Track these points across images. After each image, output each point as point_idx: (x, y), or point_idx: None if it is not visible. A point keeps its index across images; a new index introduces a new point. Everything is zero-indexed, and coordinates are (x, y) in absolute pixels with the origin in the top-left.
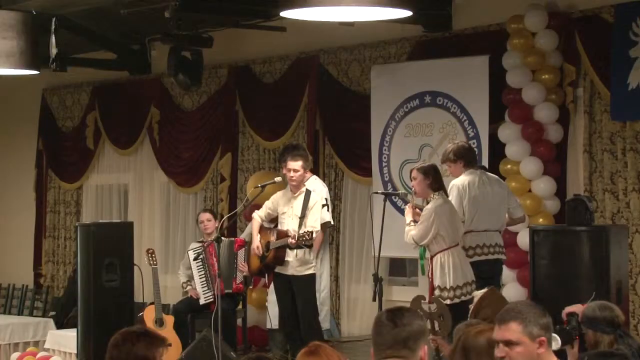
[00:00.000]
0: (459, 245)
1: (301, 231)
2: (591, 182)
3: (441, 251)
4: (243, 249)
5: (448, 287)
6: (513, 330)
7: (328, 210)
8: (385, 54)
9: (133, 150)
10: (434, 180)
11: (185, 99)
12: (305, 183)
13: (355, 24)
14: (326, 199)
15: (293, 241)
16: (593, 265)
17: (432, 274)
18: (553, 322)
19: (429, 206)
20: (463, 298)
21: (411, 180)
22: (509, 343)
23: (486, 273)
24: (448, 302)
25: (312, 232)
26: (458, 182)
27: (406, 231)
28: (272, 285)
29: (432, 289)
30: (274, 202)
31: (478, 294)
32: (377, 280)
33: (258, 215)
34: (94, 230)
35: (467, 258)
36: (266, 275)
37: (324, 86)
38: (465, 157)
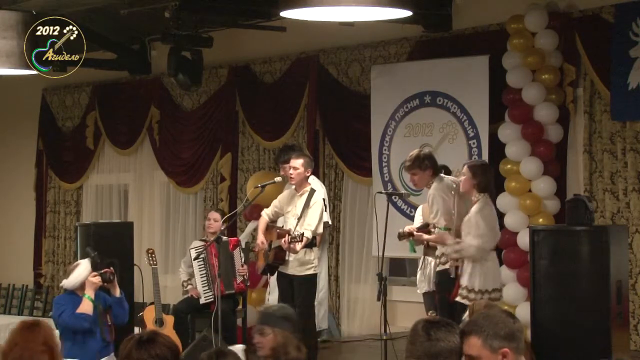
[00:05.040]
0: (494, 251)
1: (295, 232)
2: (591, 182)
3: None
4: (238, 248)
5: (476, 289)
6: (472, 344)
7: (326, 210)
8: (385, 54)
9: (133, 150)
10: (482, 180)
11: (185, 99)
12: (309, 182)
13: (355, 24)
14: (324, 199)
15: (285, 244)
16: (593, 265)
17: (460, 272)
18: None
19: (472, 214)
20: None
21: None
22: (471, 358)
23: None
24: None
25: (302, 234)
26: (439, 190)
27: (460, 249)
28: (270, 285)
29: (458, 287)
30: (281, 200)
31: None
32: (382, 279)
33: (266, 214)
34: (94, 230)
35: (498, 264)
36: (268, 275)
37: (324, 86)
38: (435, 165)
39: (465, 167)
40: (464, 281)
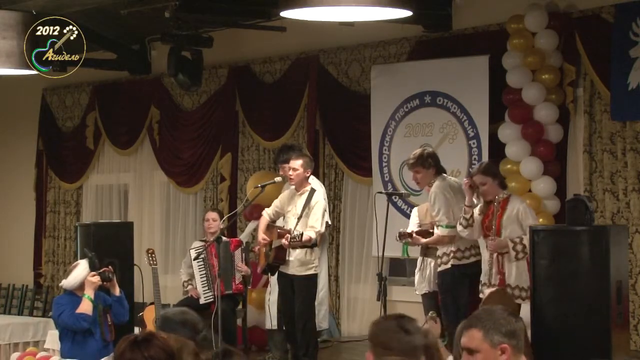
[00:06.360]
0: None
1: (295, 232)
2: (591, 182)
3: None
4: (240, 249)
5: (525, 287)
6: (473, 337)
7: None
8: (385, 54)
9: (133, 150)
10: (501, 177)
11: (185, 99)
12: (309, 182)
13: (355, 24)
14: (324, 199)
15: (286, 242)
16: (593, 265)
17: (501, 270)
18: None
19: (527, 211)
20: None
21: (479, 187)
22: (470, 351)
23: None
24: (527, 301)
25: (302, 234)
26: (442, 189)
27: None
28: (270, 285)
29: (502, 286)
30: (281, 200)
31: (487, 291)
32: (381, 279)
33: (267, 213)
34: (94, 230)
35: None
36: (269, 274)
37: (324, 86)
38: (438, 164)
39: (479, 175)
40: (513, 280)
